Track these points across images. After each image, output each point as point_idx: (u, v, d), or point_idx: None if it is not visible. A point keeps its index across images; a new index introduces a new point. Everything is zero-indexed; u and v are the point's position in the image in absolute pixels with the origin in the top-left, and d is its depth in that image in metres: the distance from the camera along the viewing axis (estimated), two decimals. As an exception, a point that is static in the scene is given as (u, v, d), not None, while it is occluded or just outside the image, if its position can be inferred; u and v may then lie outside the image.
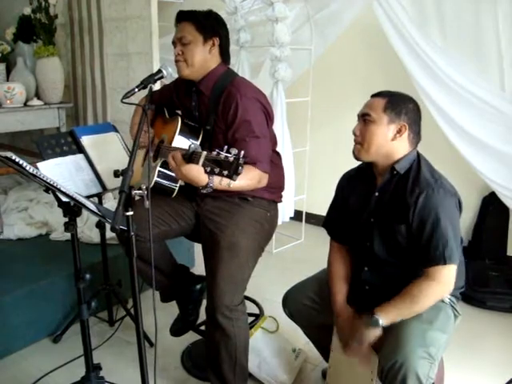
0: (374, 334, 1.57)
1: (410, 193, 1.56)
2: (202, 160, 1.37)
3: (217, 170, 1.34)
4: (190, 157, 1.45)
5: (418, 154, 1.65)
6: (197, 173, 1.50)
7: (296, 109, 3.52)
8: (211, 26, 1.84)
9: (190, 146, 1.46)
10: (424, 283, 1.54)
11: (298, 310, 1.86)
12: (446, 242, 1.52)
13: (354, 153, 1.67)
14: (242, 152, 1.33)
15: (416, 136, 1.64)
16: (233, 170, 1.32)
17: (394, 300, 1.57)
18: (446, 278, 1.55)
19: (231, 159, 1.32)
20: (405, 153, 1.62)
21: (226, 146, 1.35)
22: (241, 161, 1.31)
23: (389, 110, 1.59)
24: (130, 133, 2.15)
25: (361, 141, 1.63)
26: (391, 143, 1.60)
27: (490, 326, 2.60)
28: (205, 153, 1.37)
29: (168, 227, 1.95)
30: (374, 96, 1.66)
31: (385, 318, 1.55)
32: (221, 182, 1.38)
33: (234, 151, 1.33)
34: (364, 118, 1.62)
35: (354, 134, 1.65)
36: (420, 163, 1.61)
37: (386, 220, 1.63)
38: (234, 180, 1.34)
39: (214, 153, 1.35)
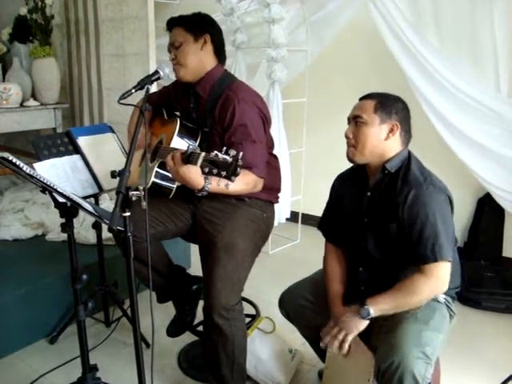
0: (363, 324, 1.58)
1: (400, 191, 1.58)
2: (200, 161, 1.37)
3: (215, 171, 1.34)
4: (188, 158, 1.45)
5: (409, 153, 1.66)
6: (194, 174, 1.51)
7: (292, 110, 3.53)
8: (199, 24, 1.86)
9: (188, 147, 1.47)
10: (418, 279, 1.55)
11: (295, 311, 1.86)
12: (436, 239, 1.52)
13: (348, 156, 1.68)
14: (241, 153, 1.33)
15: (407, 134, 1.66)
16: (231, 171, 1.32)
17: (387, 292, 1.58)
18: (438, 275, 1.55)
19: (229, 160, 1.32)
20: (396, 151, 1.64)
21: (224, 148, 1.35)
22: (239, 162, 1.31)
23: (379, 111, 1.60)
24: (128, 134, 2.15)
25: (354, 143, 1.64)
26: (384, 143, 1.62)
27: (486, 326, 2.61)
28: (203, 153, 1.37)
29: (164, 228, 1.95)
30: (362, 98, 1.68)
31: (375, 308, 1.56)
32: (219, 183, 1.38)
33: (233, 152, 1.33)
34: (356, 120, 1.63)
35: (347, 136, 1.65)
36: (410, 162, 1.63)
37: (378, 219, 1.64)
38: (233, 181, 1.34)
39: (213, 154, 1.34)
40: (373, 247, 1.67)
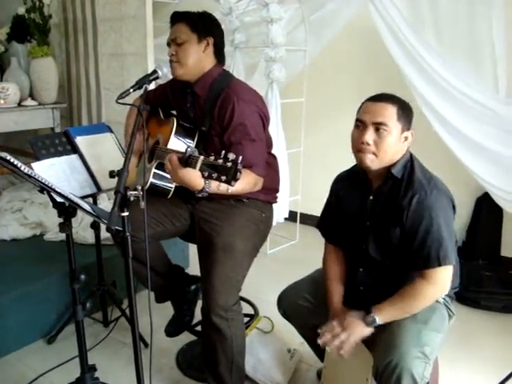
0: (367, 330, 1.58)
1: (404, 195, 1.56)
2: (199, 165, 1.36)
3: (215, 175, 1.32)
4: (186, 160, 1.44)
5: (411, 155, 1.65)
6: (194, 177, 1.50)
7: (291, 109, 3.53)
8: (205, 25, 1.85)
9: (186, 150, 1.44)
10: (420, 284, 1.55)
11: (293, 310, 1.86)
12: (441, 243, 1.52)
13: (365, 162, 1.59)
14: (240, 157, 1.31)
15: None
16: (231, 176, 1.30)
17: (391, 300, 1.57)
18: (441, 280, 1.55)
19: (229, 165, 1.30)
20: (402, 155, 1.62)
21: (223, 151, 1.33)
22: (239, 166, 1.30)
23: (402, 118, 1.55)
24: (125, 136, 2.14)
25: (375, 151, 1.56)
26: (399, 150, 1.60)
27: (484, 326, 2.61)
28: (202, 157, 1.36)
29: (163, 228, 1.95)
30: (377, 101, 1.58)
31: (381, 317, 1.56)
32: (219, 188, 1.37)
33: (232, 156, 1.31)
34: (377, 127, 1.54)
35: (366, 143, 1.56)
36: (413, 165, 1.61)
37: (381, 223, 1.63)
38: (233, 186, 1.32)
39: (212, 158, 1.33)
40: (374, 250, 1.65)
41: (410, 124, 1.59)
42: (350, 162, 1.73)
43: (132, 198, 1.37)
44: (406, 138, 1.59)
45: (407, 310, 1.55)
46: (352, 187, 1.76)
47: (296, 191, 3.73)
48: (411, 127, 1.60)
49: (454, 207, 1.60)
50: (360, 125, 1.60)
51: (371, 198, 1.67)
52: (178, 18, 1.86)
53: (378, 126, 1.55)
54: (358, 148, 1.59)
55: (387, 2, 2.72)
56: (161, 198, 1.90)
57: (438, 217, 1.52)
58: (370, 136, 1.56)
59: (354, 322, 1.59)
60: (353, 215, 1.72)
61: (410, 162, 1.62)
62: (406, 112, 1.58)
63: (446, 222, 1.54)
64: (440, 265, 1.52)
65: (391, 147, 1.56)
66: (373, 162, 1.58)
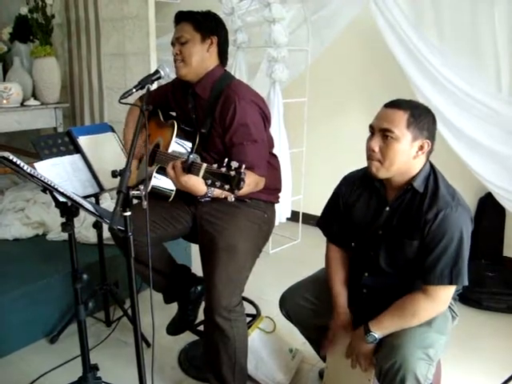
0: (370, 347, 1.59)
1: (428, 210, 1.50)
2: (202, 172, 1.35)
3: (218, 184, 1.31)
4: (189, 167, 1.43)
5: (432, 167, 1.59)
6: (197, 184, 1.49)
7: (293, 109, 3.53)
8: (209, 24, 1.85)
9: (188, 157, 1.44)
10: (420, 300, 1.53)
11: (295, 311, 1.86)
12: (456, 262, 1.49)
13: (370, 170, 1.55)
14: (244, 166, 1.30)
15: (432, 149, 1.57)
16: (235, 185, 1.29)
17: (388, 314, 1.56)
18: (443, 298, 1.54)
19: (232, 174, 1.29)
20: (421, 167, 1.56)
21: (226, 159, 1.32)
22: (242, 175, 1.28)
23: (412, 126, 1.48)
24: (124, 136, 2.12)
25: (380, 158, 1.51)
26: (413, 161, 1.53)
27: (487, 326, 2.61)
28: (205, 165, 1.35)
29: (164, 231, 1.95)
30: (390, 107, 1.53)
31: (379, 333, 1.56)
32: (222, 195, 1.37)
33: (235, 164, 1.29)
34: (384, 133, 1.50)
35: (372, 150, 1.52)
36: (437, 179, 1.55)
37: (396, 235, 1.58)
38: (236, 194, 1.32)
39: (215, 166, 1.32)
40: (384, 259, 1.62)
41: (426, 132, 1.51)
42: (352, 161, 1.73)
43: (134, 200, 1.37)
44: (422, 148, 1.52)
45: (405, 324, 1.54)
46: (363, 194, 1.70)
47: (298, 191, 3.73)
48: (430, 136, 1.52)
49: (472, 224, 1.56)
50: (370, 131, 1.56)
51: (387, 208, 1.62)
52: (182, 17, 1.87)
53: (384, 133, 1.50)
54: (367, 155, 1.56)
55: (389, 1, 2.71)
56: (161, 201, 1.89)
57: (460, 235, 1.49)
58: (375, 143, 1.52)
59: (358, 344, 1.62)
60: (364, 223, 1.67)
61: (434, 176, 1.56)
62: (419, 119, 1.49)
63: (466, 241, 1.51)
64: (451, 283, 1.50)
65: (398, 156, 1.50)
66: (378, 170, 1.54)
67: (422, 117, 1.50)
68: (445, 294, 1.53)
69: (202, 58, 1.84)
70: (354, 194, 1.73)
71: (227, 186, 1.30)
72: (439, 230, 1.49)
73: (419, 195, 1.55)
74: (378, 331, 1.56)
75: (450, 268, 1.49)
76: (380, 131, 1.51)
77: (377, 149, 1.51)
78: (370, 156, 1.55)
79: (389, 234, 1.61)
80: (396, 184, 1.59)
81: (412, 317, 1.53)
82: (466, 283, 1.51)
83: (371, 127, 1.55)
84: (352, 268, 1.78)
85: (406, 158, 1.52)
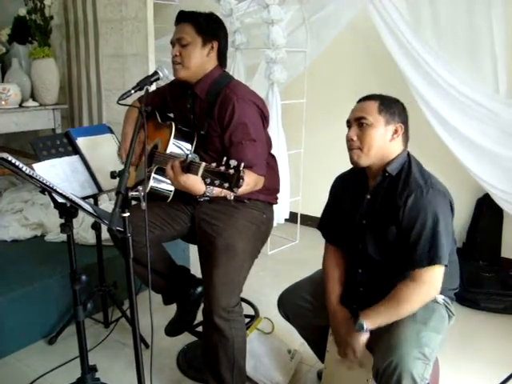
0: (362, 337, 1.59)
1: (400, 194, 1.57)
2: (201, 171, 1.35)
3: (217, 182, 1.31)
4: (188, 167, 1.43)
5: (409, 155, 1.66)
6: (195, 183, 1.50)
7: (291, 110, 3.53)
8: (211, 29, 1.84)
9: (187, 156, 1.44)
10: (408, 286, 1.54)
11: (293, 311, 1.87)
12: (433, 243, 1.51)
13: (352, 159, 1.64)
14: (242, 164, 1.30)
15: (407, 135, 1.66)
16: (234, 183, 1.29)
17: (379, 304, 1.58)
18: (431, 279, 1.54)
19: (231, 172, 1.29)
20: (398, 153, 1.63)
21: (224, 158, 1.32)
22: (241, 173, 1.29)
23: (383, 112, 1.59)
24: (122, 136, 2.12)
25: (360, 145, 1.61)
26: (389, 144, 1.61)
27: (484, 327, 2.61)
28: (204, 164, 1.35)
29: (162, 231, 1.95)
30: (362, 100, 1.66)
31: (370, 322, 1.57)
32: (221, 194, 1.37)
33: (234, 163, 1.30)
34: (360, 121, 1.60)
35: (351, 139, 1.62)
36: (411, 164, 1.62)
37: (377, 222, 1.64)
38: (235, 193, 1.32)
39: (214, 165, 1.33)
40: (371, 249, 1.66)
41: (398, 117, 1.61)
42: (350, 163, 1.73)
43: (133, 196, 1.37)
44: (396, 132, 1.61)
45: (397, 313, 1.55)
46: (349, 186, 1.78)
47: (296, 192, 3.73)
48: (402, 121, 1.62)
49: (452, 207, 1.60)
50: (348, 125, 1.66)
51: (368, 196, 1.68)
52: (184, 17, 1.84)
53: (359, 122, 1.61)
54: (347, 146, 1.65)
55: (387, 3, 2.73)
56: (160, 201, 1.89)
57: (433, 216, 1.52)
58: (353, 132, 1.63)
59: (346, 334, 1.63)
60: (349, 213, 1.73)
61: (408, 162, 1.63)
62: (389, 105, 1.60)
63: (442, 221, 1.53)
64: (430, 264, 1.52)
65: (375, 140, 1.59)
66: (360, 158, 1.62)
67: (391, 104, 1.62)
68: (429, 276, 1.54)
69: (201, 61, 1.83)
70: (343, 188, 1.81)
71: (226, 184, 1.31)
72: (411, 214, 1.54)
73: (395, 180, 1.61)
74: (367, 319, 1.57)
75: (427, 249, 1.52)
76: (355, 121, 1.62)
77: (355, 137, 1.62)
78: (350, 146, 1.64)
79: (372, 223, 1.66)
80: (375, 170, 1.66)
81: (402, 303, 1.54)
82: (445, 262, 1.53)
83: (348, 122, 1.66)
84: (349, 267, 1.79)
85: (383, 142, 1.61)
